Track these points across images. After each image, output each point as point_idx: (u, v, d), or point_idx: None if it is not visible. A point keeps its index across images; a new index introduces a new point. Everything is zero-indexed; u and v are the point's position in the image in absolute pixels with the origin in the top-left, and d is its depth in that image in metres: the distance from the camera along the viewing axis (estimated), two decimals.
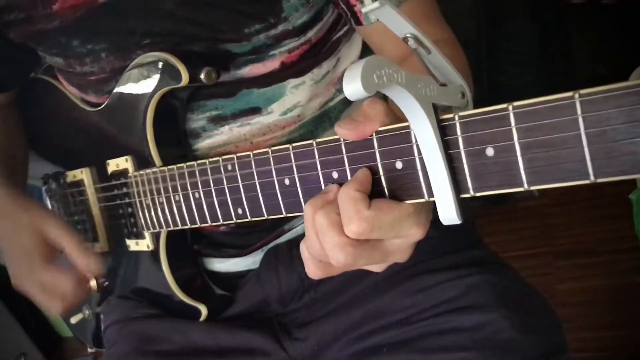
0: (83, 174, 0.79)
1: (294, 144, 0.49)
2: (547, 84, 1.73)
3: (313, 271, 0.47)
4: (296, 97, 0.69)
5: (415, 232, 0.43)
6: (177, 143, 0.69)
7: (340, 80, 0.73)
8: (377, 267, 0.47)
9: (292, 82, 0.68)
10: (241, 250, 0.75)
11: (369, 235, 0.42)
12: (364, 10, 0.36)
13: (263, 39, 0.64)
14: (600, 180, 0.33)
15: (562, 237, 1.67)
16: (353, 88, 0.34)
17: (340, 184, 0.45)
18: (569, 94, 0.33)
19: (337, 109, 0.73)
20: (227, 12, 0.62)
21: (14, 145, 0.85)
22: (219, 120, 0.68)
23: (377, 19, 0.62)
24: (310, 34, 0.67)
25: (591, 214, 1.63)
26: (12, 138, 0.85)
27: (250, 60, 0.66)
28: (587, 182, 0.33)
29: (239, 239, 0.75)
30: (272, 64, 0.67)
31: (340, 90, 0.73)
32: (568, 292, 1.50)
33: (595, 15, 1.66)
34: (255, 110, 0.68)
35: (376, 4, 0.35)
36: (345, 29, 0.73)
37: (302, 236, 0.73)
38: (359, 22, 0.66)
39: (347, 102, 0.74)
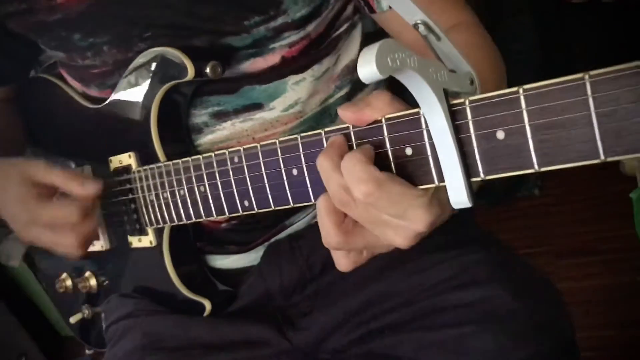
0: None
1: (302, 134, 0.50)
2: None
3: (334, 237, 0.46)
4: (297, 93, 0.69)
5: (421, 216, 0.42)
6: (180, 138, 0.69)
7: (339, 77, 0.74)
8: (381, 246, 0.47)
9: (293, 78, 0.69)
10: (243, 247, 0.75)
11: (377, 199, 0.41)
12: None
13: (263, 31, 0.65)
14: (610, 159, 0.33)
15: (562, 236, 1.68)
16: (368, 70, 0.35)
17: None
18: (579, 75, 0.33)
19: (337, 105, 0.74)
20: (227, 4, 0.63)
21: (10, 140, 0.86)
22: (222, 116, 0.69)
23: (390, 7, 0.64)
24: (310, 28, 0.68)
25: (591, 213, 1.65)
26: (8, 133, 0.85)
27: (251, 54, 0.66)
28: (597, 161, 0.34)
29: (240, 236, 0.75)
30: (273, 58, 0.67)
31: (340, 87, 0.74)
32: (568, 291, 1.47)
33: (596, 14, 1.68)
34: (257, 106, 0.69)
35: None
36: (344, 27, 0.74)
37: (303, 230, 0.74)
38: (372, 10, 0.67)
39: (347, 99, 0.75)
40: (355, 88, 0.76)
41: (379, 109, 0.44)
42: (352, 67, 0.75)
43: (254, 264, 0.76)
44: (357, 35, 0.77)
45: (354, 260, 0.48)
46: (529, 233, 1.72)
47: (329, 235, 0.46)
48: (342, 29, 0.73)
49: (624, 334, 1.35)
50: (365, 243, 0.47)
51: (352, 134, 0.46)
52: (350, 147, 0.46)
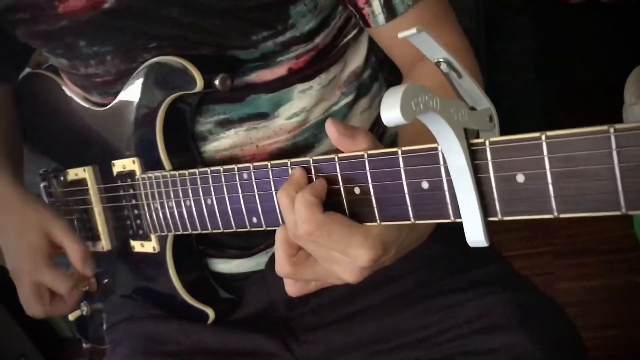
0: (85, 173, 0.78)
1: (315, 157, 0.49)
2: (547, 84, 1.74)
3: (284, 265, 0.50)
4: (303, 101, 0.69)
5: (362, 254, 0.45)
6: (185, 146, 0.69)
7: (345, 83, 0.73)
8: (332, 279, 0.50)
9: (300, 87, 0.68)
10: (245, 252, 0.75)
11: (318, 238, 0.45)
12: (400, 35, 0.36)
13: (270, 45, 0.64)
14: (631, 212, 0.33)
15: (562, 236, 1.68)
16: (392, 116, 0.34)
17: (357, 200, 0.47)
18: (604, 127, 0.33)
19: (341, 113, 0.73)
20: (233, 19, 0.63)
21: (13, 134, 0.85)
22: (226, 124, 0.68)
23: (385, 22, 0.64)
24: (318, 40, 0.67)
25: None
26: (11, 129, 0.85)
27: (257, 66, 0.66)
28: (617, 213, 0.34)
29: (243, 241, 0.75)
30: (280, 70, 0.67)
31: (345, 94, 0.73)
32: (567, 292, 1.51)
33: (595, 15, 1.67)
34: (263, 116, 0.68)
35: (413, 30, 0.36)
36: (352, 34, 0.73)
37: None
38: (367, 24, 0.66)
39: (351, 106, 0.74)
40: (360, 94, 0.75)
41: (360, 145, 0.46)
42: (359, 73, 0.75)
43: (256, 269, 0.76)
44: (364, 40, 0.76)
45: (300, 289, 0.52)
46: (528, 233, 1.72)
47: (280, 265, 0.50)
48: (349, 37, 0.73)
49: (622, 335, 1.36)
50: (314, 276, 0.50)
51: (366, 162, 0.46)
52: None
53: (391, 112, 0.34)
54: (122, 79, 0.69)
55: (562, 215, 0.36)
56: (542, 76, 1.74)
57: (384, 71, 0.82)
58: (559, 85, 1.80)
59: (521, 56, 1.69)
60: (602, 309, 1.44)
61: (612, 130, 0.33)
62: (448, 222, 0.43)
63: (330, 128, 0.47)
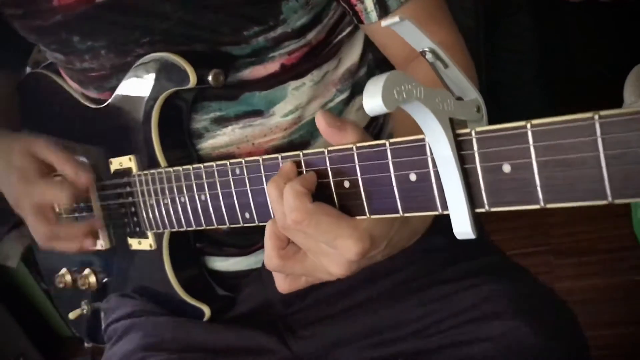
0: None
1: (305, 151, 0.49)
2: (546, 82, 1.74)
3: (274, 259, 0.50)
4: (297, 99, 0.69)
5: (349, 246, 0.45)
6: (181, 143, 0.69)
7: (341, 80, 0.73)
8: (321, 273, 0.49)
9: (293, 84, 0.69)
10: (243, 250, 0.75)
11: (306, 227, 0.45)
12: (384, 23, 0.36)
13: (262, 41, 0.65)
14: (617, 201, 0.33)
15: (561, 235, 1.68)
16: (373, 104, 0.34)
17: (347, 193, 0.46)
18: (589, 114, 0.33)
19: (337, 110, 0.73)
20: (226, 15, 0.63)
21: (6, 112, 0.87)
22: (222, 122, 0.68)
23: (378, 19, 0.64)
24: (310, 36, 0.67)
25: (589, 212, 1.64)
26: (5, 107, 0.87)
27: (250, 62, 0.66)
28: (604, 202, 0.33)
29: (240, 239, 0.75)
30: (272, 66, 0.67)
31: (340, 91, 0.73)
32: (566, 291, 1.48)
33: (594, 13, 1.66)
34: (258, 113, 0.68)
35: (396, 19, 0.35)
36: (347, 31, 0.73)
37: None
38: (360, 21, 0.67)
39: (346, 103, 0.74)
40: (355, 91, 0.75)
41: (349, 137, 0.46)
42: (354, 71, 0.75)
43: (254, 267, 0.76)
44: (359, 37, 0.76)
45: (290, 284, 0.52)
46: (526, 232, 1.71)
47: (269, 258, 0.50)
48: (344, 34, 0.73)
49: (621, 334, 1.36)
50: (303, 270, 0.50)
51: (355, 155, 0.45)
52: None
53: (373, 100, 0.34)
54: (117, 74, 0.69)
55: (548, 205, 0.36)
56: (542, 74, 1.74)
57: (382, 69, 0.82)
58: (558, 83, 1.79)
59: (521, 54, 1.69)
60: (601, 308, 1.43)
61: (596, 117, 0.33)
62: (437, 214, 0.42)
63: (319, 119, 0.47)
